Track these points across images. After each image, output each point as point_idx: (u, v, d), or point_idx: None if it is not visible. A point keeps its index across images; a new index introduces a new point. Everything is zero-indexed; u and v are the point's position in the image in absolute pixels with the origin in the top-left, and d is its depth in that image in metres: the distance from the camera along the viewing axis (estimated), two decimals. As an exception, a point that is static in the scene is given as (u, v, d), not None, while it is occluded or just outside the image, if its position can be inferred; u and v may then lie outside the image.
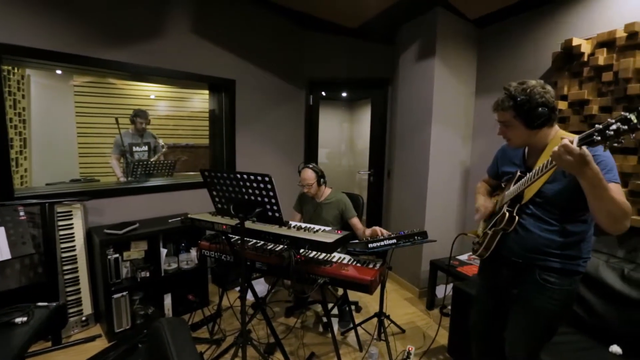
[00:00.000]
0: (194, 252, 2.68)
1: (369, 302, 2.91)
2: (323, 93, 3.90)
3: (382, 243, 1.96)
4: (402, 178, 3.30)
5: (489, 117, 2.84)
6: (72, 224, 2.33)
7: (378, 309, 2.29)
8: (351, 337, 2.42)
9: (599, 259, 1.87)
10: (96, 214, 2.54)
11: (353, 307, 2.75)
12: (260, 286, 2.94)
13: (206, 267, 2.77)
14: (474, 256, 1.93)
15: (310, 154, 3.81)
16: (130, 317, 2.38)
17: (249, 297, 2.29)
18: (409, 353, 2.06)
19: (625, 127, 0.89)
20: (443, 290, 2.63)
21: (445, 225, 3.05)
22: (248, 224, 1.83)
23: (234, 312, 2.63)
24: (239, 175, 1.67)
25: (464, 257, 2.78)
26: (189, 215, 2.08)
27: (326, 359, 2.21)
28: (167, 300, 2.59)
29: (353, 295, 2.76)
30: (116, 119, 3.14)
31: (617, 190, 1.10)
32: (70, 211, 2.33)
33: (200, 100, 4.10)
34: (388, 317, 2.39)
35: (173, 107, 4.21)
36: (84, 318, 2.39)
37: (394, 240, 1.96)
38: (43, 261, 2.20)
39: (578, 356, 1.64)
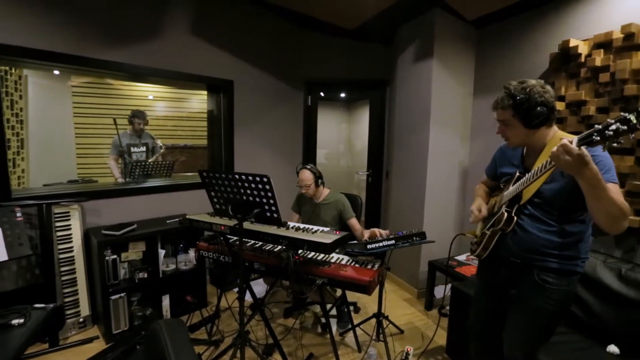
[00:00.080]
0: (192, 253, 2.67)
1: (367, 303, 2.91)
2: (321, 94, 3.89)
3: (380, 244, 1.96)
4: (401, 178, 3.30)
5: (487, 117, 2.86)
6: (69, 225, 2.32)
7: (377, 309, 2.29)
8: (350, 337, 2.42)
9: (596, 259, 1.87)
10: (94, 215, 2.53)
11: (352, 307, 2.75)
12: (259, 287, 2.94)
13: (204, 268, 2.76)
14: (472, 256, 1.93)
15: (309, 155, 3.81)
16: (128, 319, 2.37)
17: (248, 297, 2.28)
18: (407, 353, 2.05)
19: (625, 127, 0.90)
20: (441, 291, 2.63)
21: (443, 226, 3.06)
22: (246, 225, 1.83)
23: (233, 313, 2.63)
24: (237, 176, 1.67)
25: (462, 258, 2.79)
26: (187, 216, 2.08)
27: (325, 359, 2.21)
28: (165, 301, 2.58)
29: (352, 296, 2.76)
30: (114, 119, 3.14)
31: (615, 191, 1.11)
32: (68, 212, 2.32)
33: (198, 101, 4.10)
34: (387, 317, 2.39)
35: (171, 108, 4.20)
36: (81, 319, 2.38)
37: (393, 241, 1.97)
38: (40, 262, 2.19)
39: (576, 356, 1.65)
